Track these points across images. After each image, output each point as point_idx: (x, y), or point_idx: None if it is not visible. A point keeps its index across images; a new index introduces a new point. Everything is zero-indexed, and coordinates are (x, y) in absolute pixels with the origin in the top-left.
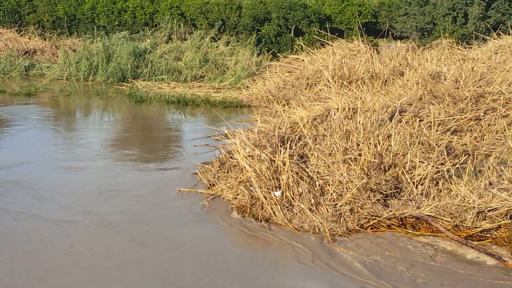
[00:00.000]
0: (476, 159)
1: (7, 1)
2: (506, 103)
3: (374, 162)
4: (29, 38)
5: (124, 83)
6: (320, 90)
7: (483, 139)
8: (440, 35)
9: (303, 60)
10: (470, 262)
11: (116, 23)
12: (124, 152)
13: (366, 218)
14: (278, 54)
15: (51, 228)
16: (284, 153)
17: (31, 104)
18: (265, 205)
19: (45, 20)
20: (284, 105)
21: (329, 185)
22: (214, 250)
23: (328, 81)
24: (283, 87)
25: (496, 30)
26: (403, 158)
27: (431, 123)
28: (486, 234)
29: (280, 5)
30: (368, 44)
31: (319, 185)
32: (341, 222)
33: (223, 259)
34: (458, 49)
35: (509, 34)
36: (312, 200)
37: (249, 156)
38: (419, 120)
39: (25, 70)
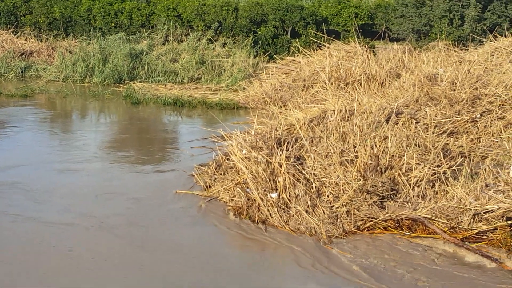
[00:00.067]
0: (473, 161)
1: (3, 2)
2: (503, 105)
3: (370, 164)
4: (25, 40)
5: (121, 85)
6: (317, 92)
7: (480, 141)
8: (436, 37)
9: (299, 62)
10: (471, 265)
11: (113, 24)
12: (120, 154)
13: (362, 220)
14: (275, 55)
15: (49, 231)
16: (280, 155)
17: (27, 105)
18: (262, 207)
19: (41, 21)
20: (281, 107)
21: (325, 187)
22: (212, 252)
23: (325, 83)
24: (279, 89)
25: (492, 32)
26: (399, 160)
27: (427, 125)
28: (483, 236)
29: (277, 7)
30: (365, 46)
31: (315, 187)
32: (338, 224)
33: (221, 261)
34: (455, 51)
35: (505, 36)
36: (309, 202)
37: (245, 158)
38: (416, 122)
39: (21, 72)
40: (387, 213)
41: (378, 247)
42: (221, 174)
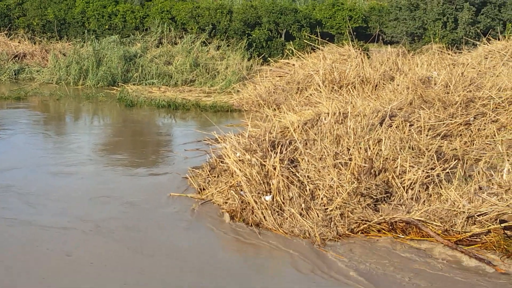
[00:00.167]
0: (466, 163)
1: None
2: (496, 108)
3: (364, 166)
4: (18, 42)
5: (114, 87)
6: (311, 95)
7: (473, 144)
8: (430, 40)
9: (293, 65)
10: (472, 269)
11: (107, 27)
12: (114, 156)
13: (356, 222)
14: (269, 58)
15: (46, 235)
16: (274, 157)
17: (21, 108)
18: (256, 210)
19: (35, 24)
20: (275, 109)
21: (319, 189)
22: (209, 256)
23: (319, 86)
24: (273, 92)
25: (486, 35)
26: (393, 163)
27: (421, 127)
28: (476, 238)
29: (271, 9)
30: (359, 49)
31: (309, 189)
32: (332, 226)
33: (218, 264)
34: (448, 54)
35: (498, 39)
36: (303, 205)
37: (239, 160)
38: (409, 125)
39: (15, 74)
40: (381, 215)
41: (374, 250)
42: (215, 176)
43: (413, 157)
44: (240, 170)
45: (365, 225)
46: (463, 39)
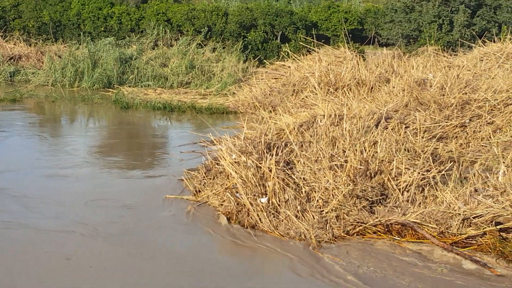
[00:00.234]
0: (462, 166)
1: None
2: (491, 110)
3: (360, 168)
4: (14, 44)
5: (110, 89)
6: (307, 97)
7: (469, 146)
8: (425, 42)
9: (289, 67)
10: (472, 273)
11: (102, 29)
12: (110, 159)
13: (352, 224)
14: (265, 60)
15: (44, 238)
16: (270, 159)
17: (16, 110)
18: (251, 212)
19: (30, 26)
20: (271, 111)
21: (315, 191)
22: (207, 259)
23: (314, 88)
24: (269, 94)
25: (481, 37)
26: (389, 165)
27: (417, 130)
28: (472, 240)
29: (267, 11)
30: (354, 51)
31: (305, 191)
32: (327, 228)
33: (217, 267)
34: (444, 56)
35: (494, 42)
36: (298, 207)
37: (235, 162)
38: (405, 127)
39: (10, 76)
40: (377, 218)
41: (372, 253)
42: (210, 178)
43: (408, 159)
44: (235, 172)
45: (360, 227)
46: (458, 41)
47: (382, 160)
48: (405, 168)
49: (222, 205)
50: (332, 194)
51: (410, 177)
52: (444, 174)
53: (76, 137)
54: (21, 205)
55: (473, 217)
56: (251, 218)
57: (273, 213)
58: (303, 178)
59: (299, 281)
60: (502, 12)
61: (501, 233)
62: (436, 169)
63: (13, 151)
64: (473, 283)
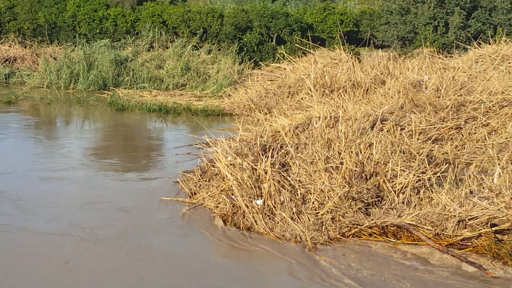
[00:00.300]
0: (457, 167)
1: None
2: (487, 112)
3: (355, 170)
4: (9, 46)
5: (106, 91)
6: (302, 99)
7: (464, 148)
8: (421, 44)
9: (285, 69)
10: (473, 275)
11: (97, 31)
12: (105, 161)
13: (347, 226)
14: (260, 62)
15: (42, 242)
16: (265, 161)
17: (11, 112)
18: (247, 214)
19: (25, 27)
20: (266, 113)
21: (310, 193)
22: (206, 262)
23: (310, 90)
24: (265, 96)
25: (477, 39)
26: (384, 167)
27: (412, 131)
28: (467, 242)
29: (262, 13)
30: (350, 53)
31: (300, 193)
32: (323, 230)
33: (216, 270)
34: (439, 58)
35: (489, 43)
36: (294, 209)
37: (230, 164)
38: (401, 129)
39: (5, 78)
40: (372, 220)
41: (369, 256)
42: (206, 181)
43: (404, 161)
44: (231, 174)
45: (356, 229)
46: (454, 43)
47: (378, 162)
48: (400, 170)
49: (217, 207)
50: (328, 196)
51: (405, 179)
52: (439, 176)
53: (71, 139)
54: (17, 208)
55: (469, 219)
56: (247, 220)
57: (268, 215)
58: (299, 180)
59: (300, 285)
60: (497, 14)
61: (496, 235)
62: (431, 171)
63: (8, 154)
64: (475, 287)
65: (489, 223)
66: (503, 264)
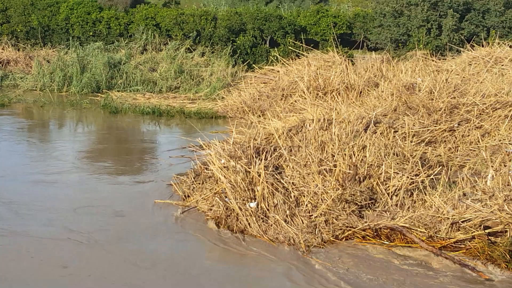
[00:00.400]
0: (450, 170)
1: None
2: (480, 114)
3: (349, 173)
4: (2, 49)
5: (99, 94)
6: (296, 101)
7: (457, 150)
8: (414, 46)
9: (278, 71)
10: (475, 280)
11: (91, 33)
12: (99, 164)
13: (341, 229)
14: (254, 65)
15: (39, 246)
16: (259, 164)
17: (4, 115)
18: (240, 217)
19: (18, 30)
20: (260, 116)
21: (304, 196)
22: (203, 266)
23: (303, 92)
24: (258, 98)
25: (470, 41)
26: (378, 169)
27: (405, 134)
28: (460, 244)
29: (255, 16)
30: (343, 55)
31: (294, 196)
32: (316, 233)
33: (214, 274)
34: (433, 60)
35: (482, 46)
36: (287, 211)
37: (224, 167)
38: (394, 131)
39: None
40: (366, 222)
41: (369, 261)
42: (199, 183)
43: (397, 163)
44: (224, 176)
45: (349, 232)
46: (447, 46)
47: (371, 165)
48: (394, 172)
49: (211, 209)
50: (321, 199)
51: (399, 181)
52: (433, 178)
53: (64, 142)
54: (11, 212)
55: (462, 221)
56: (240, 222)
57: (262, 218)
58: (292, 183)
59: None
60: (491, 17)
61: (489, 237)
62: (425, 173)
63: (1, 157)
64: None
65: (482, 226)
66: (496, 266)
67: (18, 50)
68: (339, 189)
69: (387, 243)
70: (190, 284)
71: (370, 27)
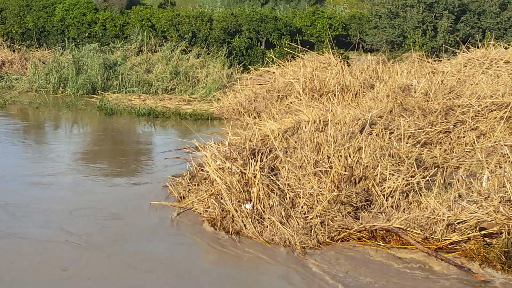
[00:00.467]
0: (446, 171)
1: None
2: (475, 115)
3: (344, 174)
4: None
5: (94, 95)
6: (291, 103)
7: (453, 152)
8: (410, 48)
9: (274, 73)
10: (473, 283)
11: (86, 35)
12: (94, 166)
13: (336, 230)
14: (249, 66)
15: (37, 248)
16: (255, 165)
17: (0, 116)
18: (236, 218)
19: (14, 31)
20: (255, 117)
21: (299, 197)
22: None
23: (299, 94)
24: (254, 100)
25: (465, 43)
26: (373, 171)
27: (401, 135)
28: (456, 246)
29: (251, 17)
30: (339, 57)
31: (289, 197)
32: (312, 234)
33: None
34: (428, 62)
35: (478, 47)
36: (283, 213)
37: (219, 168)
38: (389, 133)
39: None
40: (361, 223)
41: (362, 261)
42: (195, 185)
43: (393, 165)
44: (220, 178)
45: (345, 233)
46: (442, 47)
47: (367, 166)
48: (389, 174)
49: (206, 211)
50: (317, 200)
51: (394, 183)
52: (428, 180)
53: (60, 144)
54: (8, 214)
55: (457, 223)
56: (236, 224)
57: (257, 219)
58: (288, 184)
59: None
60: (486, 18)
61: (485, 239)
62: (420, 174)
63: None
64: None
65: (477, 227)
66: (492, 268)
67: (14, 51)
68: (334, 190)
69: (383, 244)
70: (190, 285)
71: (365, 29)
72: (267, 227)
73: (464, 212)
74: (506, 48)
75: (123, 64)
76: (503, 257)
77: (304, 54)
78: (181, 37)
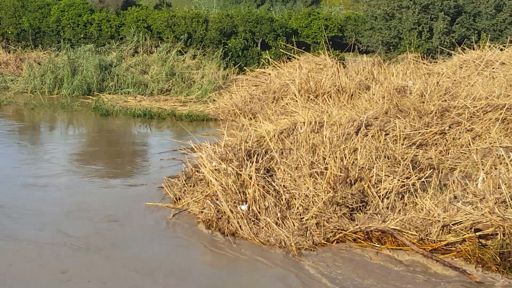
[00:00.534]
0: (441, 172)
1: None
2: (471, 117)
3: (340, 176)
4: None
5: (90, 96)
6: (287, 104)
7: (448, 153)
8: (405, 49)
9: (269, 74)
10: (474, 286)
11: (82, 36)
12: (90, 167)
13: (332, 231)
14: (245, 67)
15: (35, 250)
16: (250, 167)
17: None
18: (232, 219)
19: (9, 32)
20: (251, 118)
21: (295, 199)
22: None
23: (295, 95)
24: (249, 101)
25: (461, 44)
26: (369, 172)
27: (396, 137)
28: (451, 247)
29: (247, 18)
30: (335, 58)
31: (285, 199)
32: (307, 236)
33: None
34: (424, 63)
35: (473, 49)
36: (279, 214)
37: (215, 170)
38: (385, 134)
39: None
40: (357, 225)
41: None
42: (190, 186)
43: (388, 166)
44: (216, 179)
45: (341, 234)
46: (438, 49)
47: (362, 167)
48: (385, 175)
49: (202, 212)
50: (312, 201)
51: (390, 184)
52: (423, 181)
53: (55, 145)
54: (4, 215)
55: (453, 224)
56: (231, 225)
57: (253, 221)
58: (283, 185)
59: None
60: (482, 20)
61: (480, 240)
62: (416, 176)
63: None
64: None
65: (473, 228)
66: (487, 269)
67: (9, 52)
68: (330, 191)
69: (378, 245)
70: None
71: (361, 30)
72: (262, 228)
73: (460, 213)
74: (501, 50)
75: (118, 65)
76: (498, 259)
77: (300, 56)
78: (176, 38)
